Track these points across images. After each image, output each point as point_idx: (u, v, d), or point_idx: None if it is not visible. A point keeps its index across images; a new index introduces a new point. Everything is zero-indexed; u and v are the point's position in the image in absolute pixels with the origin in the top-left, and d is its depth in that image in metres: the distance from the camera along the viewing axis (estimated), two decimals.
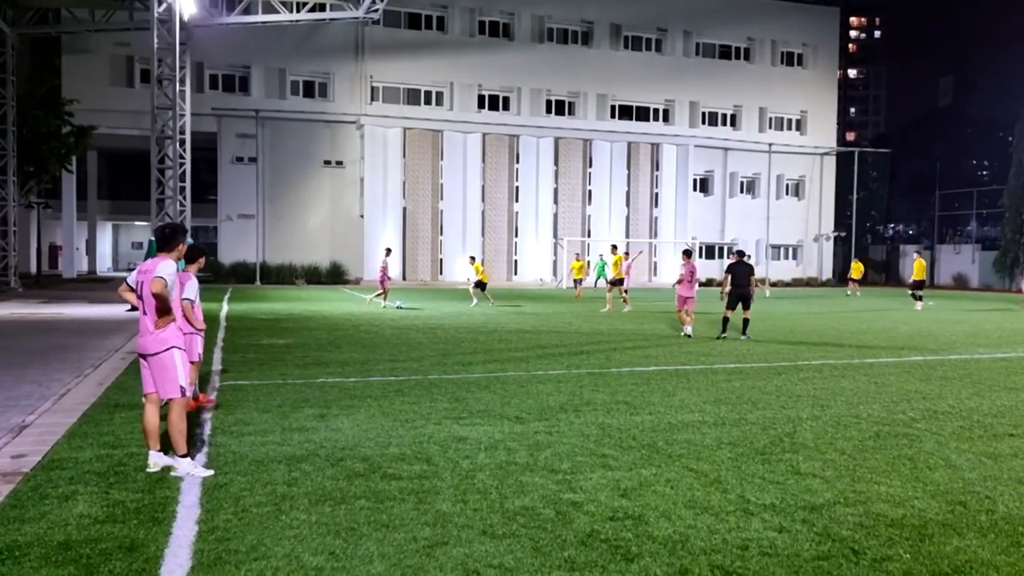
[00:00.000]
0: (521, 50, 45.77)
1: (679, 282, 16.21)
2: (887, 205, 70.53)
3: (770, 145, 49.99)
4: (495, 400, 8.64)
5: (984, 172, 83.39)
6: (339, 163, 43.24)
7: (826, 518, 4.90)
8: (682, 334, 15.97)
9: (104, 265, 55.28)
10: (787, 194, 51.86)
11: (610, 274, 24.52)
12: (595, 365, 11.55)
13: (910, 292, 27.68)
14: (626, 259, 24.61)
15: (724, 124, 50.32)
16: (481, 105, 45.47)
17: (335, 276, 41.73)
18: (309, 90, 43.14)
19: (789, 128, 51.87)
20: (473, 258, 29.42)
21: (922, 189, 64.73)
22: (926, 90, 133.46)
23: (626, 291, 24.07)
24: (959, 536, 4.62)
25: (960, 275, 50.15)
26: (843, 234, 53.04)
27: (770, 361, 12.32)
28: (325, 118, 42.66)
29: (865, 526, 4.77)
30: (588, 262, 37.30)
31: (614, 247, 25.96)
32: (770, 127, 51.12)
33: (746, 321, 15.88)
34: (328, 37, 42.23)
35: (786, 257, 52.06)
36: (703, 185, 49.95)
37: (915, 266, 27.05)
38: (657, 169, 47.79)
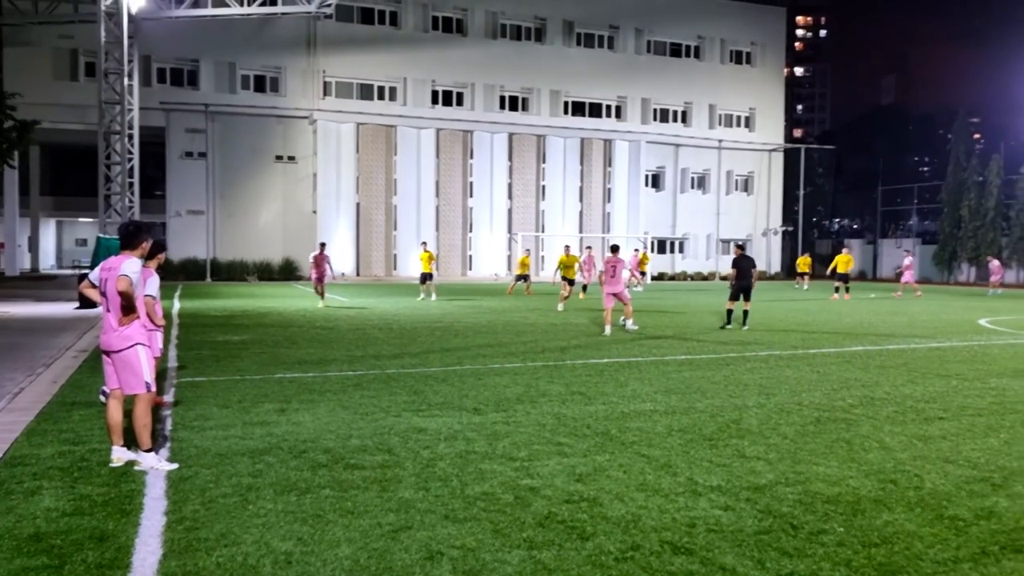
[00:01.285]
0: (475, 46, 45.89)
1: (600, 280, 15.86)
2: (832, 200, 72.26)
3: (720, 141, 50.98)
4: (453, 392, 8.84)
5: (925, 168, 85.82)
6: (291, 158, 42.88)
7: (768, 497, 5.21)
8: (603, 334, 15.15)
9: (47, 262, 53.95)
10: (736, 189, 52.89)
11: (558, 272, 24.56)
12: (550, 358, 11.81)
13: (835, 284, 28.92)
14: (588, 252, 24.85)
15: (675, 121, 51.10)
16: (435, 101, 45.48)
17: (288, 272, 41.41)
18: (260, 84, 42.67)
19: (738, 125, 52.88)
20: (425, 243, 28.92)
21: (866, 185, 66.46)
22: (870, 88, 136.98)
23: (584, 287, 24.42)
24: (889, 511, 4.97)
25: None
26: (790, 229, 54.34)
27: (719, 352, 12.73)
28: (277, 113, 42.26)
29: (804, 503, 5.09)
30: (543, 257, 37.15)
31: (567, 247, 25.19)
32: (720, 124, 52.06)
33: (746, 312, 16.69)
34: (279, 31, 41.81)
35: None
36: (655, 181, 50.68)
37: (839, 259, 28.34)
38: (610, 165, 48.34)
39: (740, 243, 17.88)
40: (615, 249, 16.24)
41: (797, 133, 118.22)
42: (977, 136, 77.92)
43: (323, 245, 23.14)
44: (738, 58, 52.79)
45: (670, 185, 50.71)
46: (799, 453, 6.38)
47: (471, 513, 4.84)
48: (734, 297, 16.57)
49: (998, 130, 71.98)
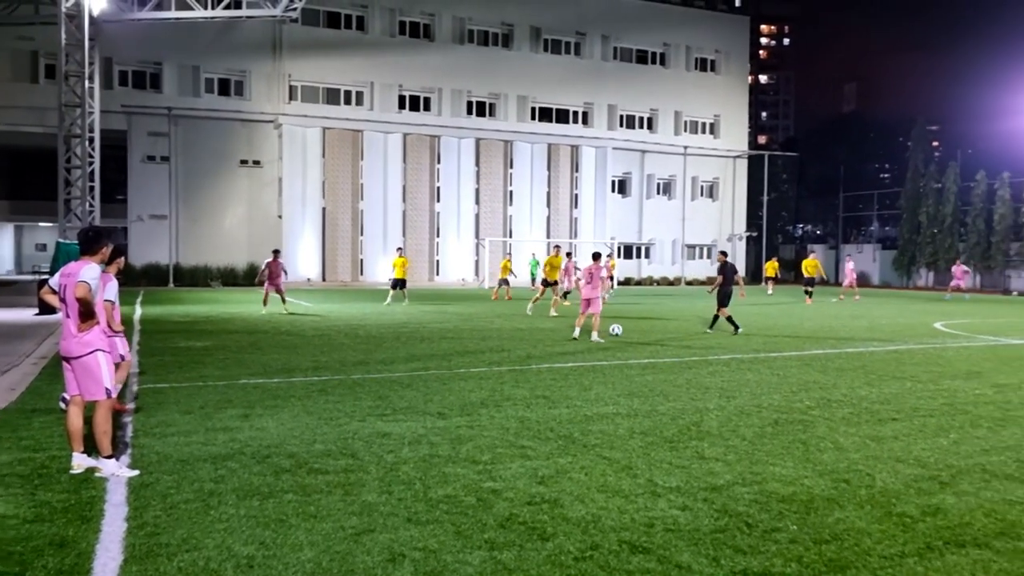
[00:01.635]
0: (442, 51, 45.93)
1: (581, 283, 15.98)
2: (796, 206, 73.48)
3: (685, 148, 51.54)
4: (418, 397, 8.88)
5: (885, 175, 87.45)
6: (256, 163, 42.53)
7: (725, 497, 5.35)
8: (572, 336, 15.39)
9: (5, 268, 52.90)
10: (702, 195, 53.49)
11: (541, 274, 24.84)
12: (515, 362, 11.90)
13: (804, 288, 29.97)
14: (568, 260, 24.77)
15: (641, 127, 51.57)
16: (402, 105, 45.42)
17: (253, 278, 40.99)
18: (225, 88, 42.27)
19: (703, 131, 53.50)
20: (400, 249, 29.31)
21: (828, 191, 67.58)
22: (832, 96, 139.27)
23: (567, 293, 24.55)
24: (840, 508, 5.13)
25: (862, 273, 52.64)
26: (755, 234, 55.07)
27: (681, 356, 12.91)
28: (241, 117, 41.90)
29: (759, 502, 5.23)
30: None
31: (557, 247, 24.99)
32: (685, 130, 52.63)
33: (716, 317, 17.17)
34: (244, 35, 41.49)
35: (701, 256, 53.67)
36: (621, 186, 51.08)
37: (806, 263, 29.38)
38: (576, 170, 48.64)
39: (723, 251, 18.30)
40: (596, 257, 16.35)
41: (761, 140, 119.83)
42: (935, 144, 79.60)
43: (276, 252, 21.90)
44: (703, 65, 53.44)
45: (636, 191, 51.15)
46: (757, 454, 6.53)
47: (434, 515, 4.90)
48: (726, 303, 16.91)
49: (956, 138, 73.63)
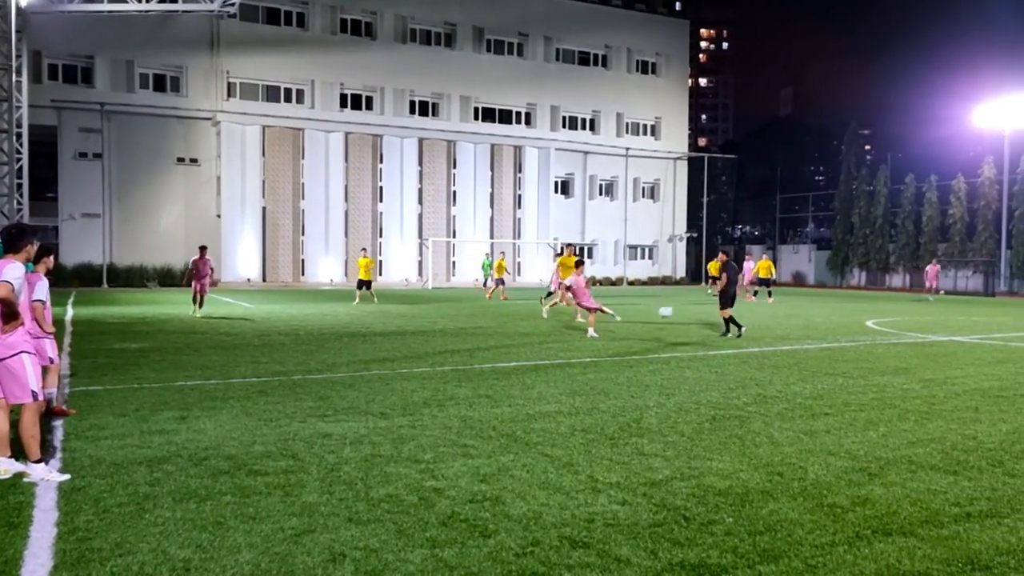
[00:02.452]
0: (384, 50, 45.63)
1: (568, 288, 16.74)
2: (735, 207, 75.00)
3: (627, 149, 52.20)
4: (360, 397, 8.82)
5: (820, 178, 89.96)
6: (194, 161, 41.64)
7: (663, 491, 5.45)
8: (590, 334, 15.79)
9: None
10: (643, 196, 54.24)
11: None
12: (459, 362, 11.90)
13: (762, 289, 31.37)
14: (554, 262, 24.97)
15: (584, 128, 52.04)
16: (343, 104, 44.98)
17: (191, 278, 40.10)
18: (160, 84, 41.28)
19: (645, 133, 54.25)
20: (365, 250, 29.65)
21: (766, 192, 69.27)
22: (769, 100, 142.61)
23: (549, 293, 24.54)
24: (774, 501, 5.27)
25: (798, 273, 54.07)
26: (695, 235, 56.05)
27: (623, 355, 13.08)
28: (178, 113, 40.98)
29: (696, 496, 5.34)
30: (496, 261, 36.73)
31: (570, 247, 24.84)
32: (627, 132, 53.30)
33: (727, 320, 16.70)
34: (181, 29, 40.57)
35: (643, 257, 54.42)
36: (564, 187, 51.46)
37: (760, 265, 30.53)
38: (520, 171, 48.84)
39: (725, 250, 18.24)
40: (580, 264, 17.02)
41: (701, 142, 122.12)
42: (868, 148, 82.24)
43: (203, 248, 20.84)
44: (644, 68, 54.19)
45: (579, 192, 51.61)
46: (695, 449, 6.66)
47: (375, 515, 4.89)
48: (731, 304, 16.47)
49: (887, 142, 76.25)
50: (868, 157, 70.77)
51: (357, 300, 26.01)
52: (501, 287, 30.75)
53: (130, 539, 4.43)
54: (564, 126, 51.15)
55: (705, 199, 55.08)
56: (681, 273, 55.09)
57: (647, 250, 54.57)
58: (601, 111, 52.13)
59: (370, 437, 6.94)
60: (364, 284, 26.03)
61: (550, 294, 24.98)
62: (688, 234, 55.78)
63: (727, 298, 16.36)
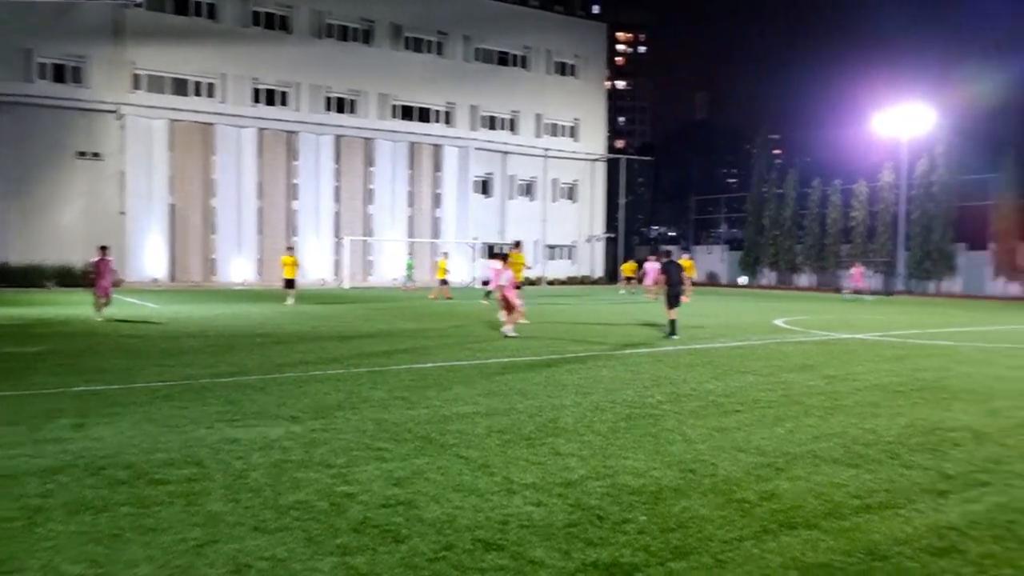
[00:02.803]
0: (299, 44, 44.70)
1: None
2: (651, 208, 76.53)
3: (546, 150, 52.59)
4: (270, 401, 8.60)
5: (733, 180, 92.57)
6: (96, 155, 39.87)
7: (578, 491, 5.47)
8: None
9: None
10: (562, 197, 54.73)
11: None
12: (375, 363, 11.74)
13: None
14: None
15: (503, 128, 52.17)
16: (257, 99, 43.85)
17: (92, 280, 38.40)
18: (60, 74, 39.35)
19: (564, 134, 54.75)
20: (291, 248, 29.30)
21: (681, 194, 71.00)
22: (685, 103, 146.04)
23: (488, 293, 24.47)
24: (686, 497, 5.36)
25: (712, 273, 55.51)
26: (612, 235, 56.89)
27: (540, 354, 13.14)
28: (80, 106, 39.16)
29: (611, 495, 5.39)
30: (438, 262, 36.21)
31: (518, 243, 24.67)
32: (546, 133, 53.69)
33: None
34: (83, 17, 38.80)
35: (562, 257, 54.92)
36: (484, 187, 51.48)
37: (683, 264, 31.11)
38: (439, 170, 48.64)
39: (668, 250, 18.02)
40: (504, 258, 16.84)
41: (619, 144, 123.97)
42: (777, 152, 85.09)
43: (104, 249, 19.76)
44: (562, 69, 54.69)
45: (498, 191, 51.71)
46: (610, 448, 6.72)
47: (283, 523, 4.75)
48: (673, 305, 16.22)
49: (795, 147, 79.08)
50: (778, 161, 73.06)
51: (289, 300, 25.73)
52: (445, 287, 30.87)
53: (19, 555, 4.19)
54: (483, 126, 51.17)
55: (622, 200, 55.95)
56: (599, 273, 55.83)
57: (566, 250, 55.09)
58: (520, 111, 52.37)
59: (280, 442, 6.76)
60: (289, 283, 25.86)
61: (488, 294, 24.92)
62: (606, 234, 56.58)
63: (672, 298, 16.23)
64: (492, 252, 14.72)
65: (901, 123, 43.13)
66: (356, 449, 6.55)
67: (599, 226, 56.29)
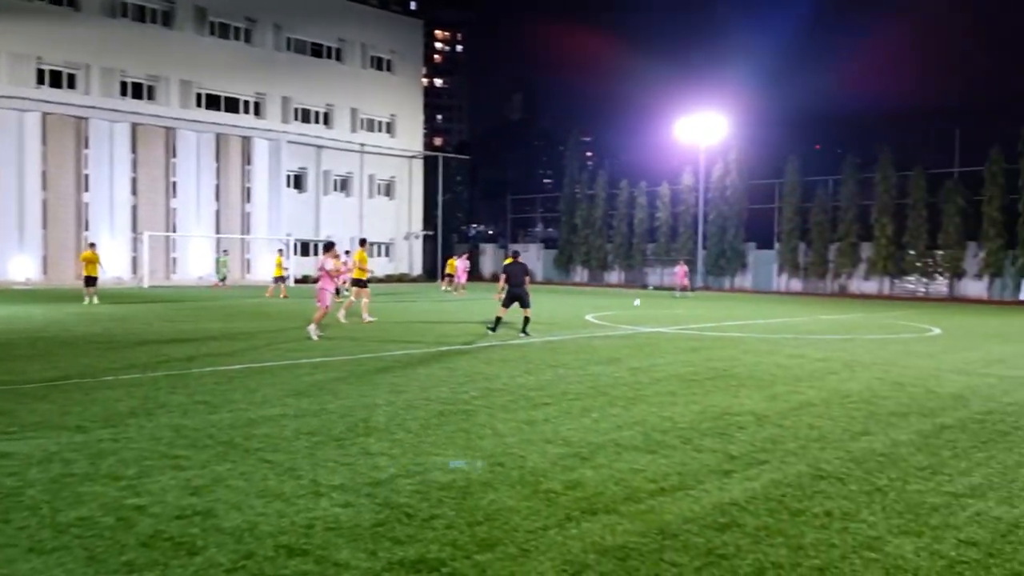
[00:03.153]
0: (90, 23, 41.29)
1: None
2: (469, 207, 77.40)
3: (362, 145, 51.83)
4: (53, 410, 7.89)
5: (548, 180, 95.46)
6: None
7: (388, 490, 5.44)
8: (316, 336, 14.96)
9: None
10: (379, 194, 54.18)
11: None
12: (174, 367, 11.08)
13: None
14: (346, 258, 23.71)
15: (317, 122, 50.86)
16: (41, 80, 40.06)
17: None
18: None
19: (380, 130, 54.19)
20: (93, 245, 27.73)
21: (498, 193, 72.32)
22: (501, 103, 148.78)
23: (337, 291, 23.42)
24: (494, 490, 5.47)
25: (528, 271, 57.02)
26: (431, 233, 57.02)
27: (355, 354, 12.94)
28: None
29: (421, 493, 5.39)
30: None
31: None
32: (362, 128, 52.91)
33: (526, 319, 16.38)
34: None
35: (379, 254, 54.32)
36: (297, 182, 49.97)
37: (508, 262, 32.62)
38: (249, 163, 46.71)
39: (515, 250, 17.95)
40: (329, 247, 15.95)
41: (437, 141, 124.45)
42: (589, 154, 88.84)
43: None
44: (378, 64, 54.11)
45: (313, 187, 50.37)
46: (421, 445, 6.73)
47: (62, 542, 4.37)
48: (507, 304, 16.18)
49: (605, 149, 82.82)
50: (589, 163, 76.35)
51: (93, 299, 24.40)
52: (281, 285, 30.37)
53: None
54: (296, 119, 49.63)
55: (440, 198, 56.22)
56: (418, 271, 55.77)
57: (384, 247, 54.59)
58: (335, 105, 51.26)
59: (62, 454, 6.22)
60: (90, 281, 24.70)
61: (337, 291, 23.91)
62: (424, 232, 56.63)
63: (510, 298, 16.29)
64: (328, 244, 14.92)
65: (699, 130, 46.31)
66: (150, 458, 6.15)
67: (417, 223, 56.24)
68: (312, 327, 15.16)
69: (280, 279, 30.29)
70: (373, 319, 19.47)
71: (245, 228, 46.62)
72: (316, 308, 15.54)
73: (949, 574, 4.20)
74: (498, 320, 16.54)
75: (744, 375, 11.12)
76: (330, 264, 15.61)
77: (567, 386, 9.92)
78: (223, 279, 37.63)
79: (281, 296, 29.62)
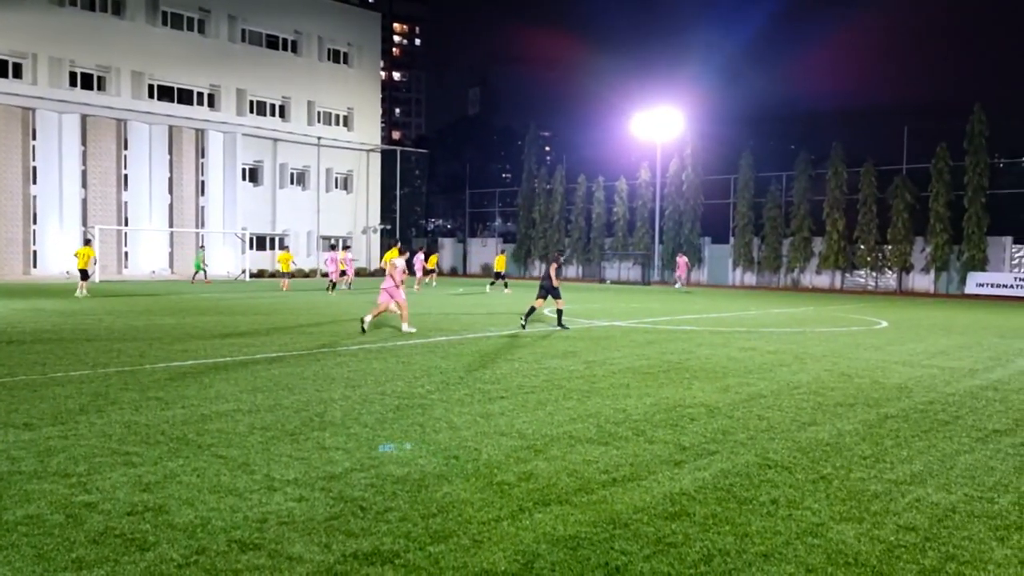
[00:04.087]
0: (37, 11, 40.23)
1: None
2: (427, 201, 77.13)
3: (319, 139, 51.31)
4: None
5: (507, 175, 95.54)
6: None
7: (342, 484, 5.45)
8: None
9: None
10: (336, 187, 53.73)
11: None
12: (126, 363, 10.90)
13: (496, 281, 33.31)
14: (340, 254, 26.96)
15: (273, 115, 50.25)
16: None
17: None
18: None
19: (337, 123, 53.71)
20: (89, 241, 29.00)
21: (456, 187, 72.19)
22: (459, 98, 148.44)
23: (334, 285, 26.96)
24: (449, 483, 5.51)
25: (487, 264, 57.03)
26: (388, 227, 56.75)
27: (310, 348, 12.86)
28: None
29: (375, 486, 5.41)
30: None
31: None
32: (319, 121, 52.39)
33: (560, 312, 16.84)
34: None
35: (336, 249, 53.87)
36: (253, 175, 49.35)
37: (497, 260, 33.19)
38: (203, 156, 45.99)
39: (560, 248, 18.49)
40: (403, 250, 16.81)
41: (395, 135, 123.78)
42: (547, 149, 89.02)
43: None
44: (336, 57, 53.60)
45: (269, 180, 49.79)
46: (377, 440, 6.74)
47: (9, 540, 4.31)
48: (541, 296, 16.67)
49: (563, 144, 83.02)
50: (548, 158, 76.62)
51: (85, 291, 26.02)
52: (286, 280, 32.79)
53: None
54: (252, 111, 48.96)
55: (398, 192, 55.97)
56: (376, 265, 55.40)
57: (341, 242, 54.12)
58: (292, 98, 50.68)
59: (9, 452, 6.11)
60: (84, 275, 26.25)
61: (334, 286, 28.19)
62: (382, 226, 56.32)
63: (541, 290, 16.73)
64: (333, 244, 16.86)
65: (656, 125, 46.74)
66: (100, 455, 6.07)
67: (375, 217, 55.91)
68: (405, 326, 15.52)
69: (288, 274, 32.44)
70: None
71: (200, 222, 45.89)
72: (399, 307, 15.60)
73: (888, 558, 4.35)
74: (532, 309, 16.96)
75: (697, 368, 11.31)
76: (401, 263, 15.82)
77: (523, 379, 9.99)
78: (199, 272, 37.18)
79: (283, 288, 31.56)
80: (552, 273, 16.68)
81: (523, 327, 16.56)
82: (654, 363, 11.73)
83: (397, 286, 15.53)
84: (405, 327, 15.56)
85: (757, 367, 11.51)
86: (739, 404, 8.64)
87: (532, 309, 16.93)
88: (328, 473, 5.70)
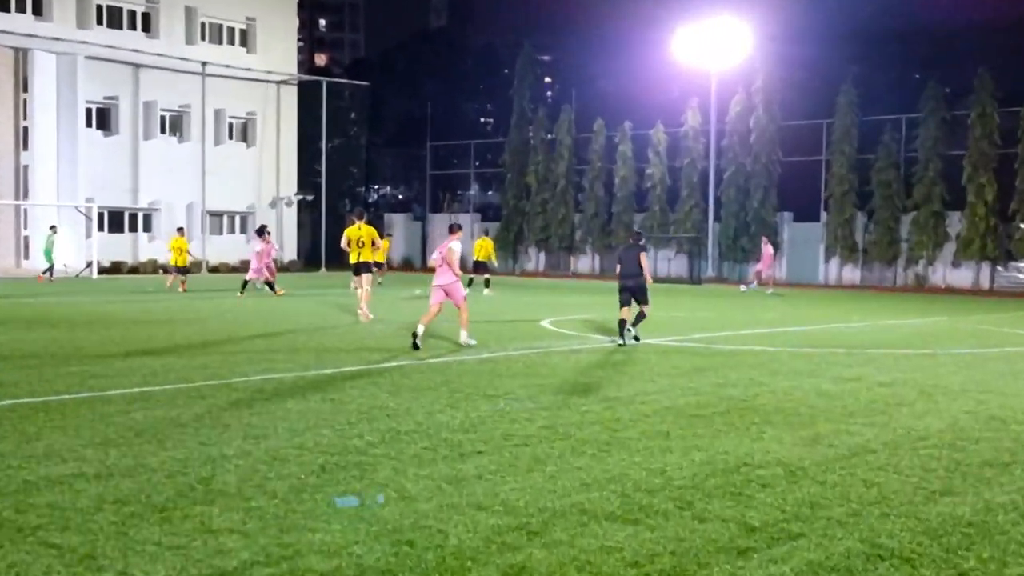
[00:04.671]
0: None
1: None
2: (368, 158, 76.96)
3: (204, 64, 51.14)
4: None
5: (487, 119, 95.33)
6: None
7: None
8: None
9: None
10: (232, 138, 53.77)
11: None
12: None
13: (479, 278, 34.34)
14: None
15: (133, 28, 50.18)
16: None
17: None
18: None
19: (231, 42, 53.69)
20: (181, 230, 31.83)
21: (412, 139, 72.04)
22: (415, 3, 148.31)
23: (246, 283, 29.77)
24: None
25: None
26: (310, 197, 56.54)
27: (193, 380, 12.85)
28: None
29: None
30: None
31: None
32: (203, 38, 52.35)
33: (640, 316, 17.56)
34: None
35: (232, 230, 53.93)
36: (102, 119, 49.25)
37: (477, 245, 34.88)
38: (25, 90, 45.97)
39: (637, 231, 20.26)
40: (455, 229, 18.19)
41: (320, 61, 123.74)
42: (548, 80, 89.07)
43: None
44: None
45: (128, 127, 49.71)
46: (290, 517, 6.73)
47: None
48: (625, 303, 17.45)
49: (571, 73, 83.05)
50: (548, 94, 76.39)
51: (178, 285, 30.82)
52: (182, 275, 34.90)
53: None
54: (100, 22, 48.82)
55: (325, 144, 55.87)
56: (292, 253, 55.26)
57: (238, 219, 54.12)
58: (161, 3, 50.53)
59: None
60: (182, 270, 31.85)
61: (246, 283, 31.32)
62: (300, 196, 56.26)
63: (623, 294, 17.93)
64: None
65: (710, 46, 46.83)
66: None
67: (291, 184, 55.88)
68: (464, 334, 17.09)
69: (183, 269, 34.38)
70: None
71: (21, 190, 45.78)
72: (459, 312, 17.21)
73: None
74: (622, 323, 17.53)
75: (770, 408, 11.35)
76: (458, 248, 17.27)
77: (511, 425, 10.01)
78: (50, 267, 37.61)
79: (180, 289, 33.42)
80: (643, 263, 17.62)
81: (623, 344, 17.40)
82: (706, 401, 11.77)
83: (457, 278, 17.07)
84: (464, 337, 16.93)
85: (862, 407, 11.56)
86: (833, 462, 8.67)
87: (623, 322, 17.57)
88: (217, 569, 5.69)
